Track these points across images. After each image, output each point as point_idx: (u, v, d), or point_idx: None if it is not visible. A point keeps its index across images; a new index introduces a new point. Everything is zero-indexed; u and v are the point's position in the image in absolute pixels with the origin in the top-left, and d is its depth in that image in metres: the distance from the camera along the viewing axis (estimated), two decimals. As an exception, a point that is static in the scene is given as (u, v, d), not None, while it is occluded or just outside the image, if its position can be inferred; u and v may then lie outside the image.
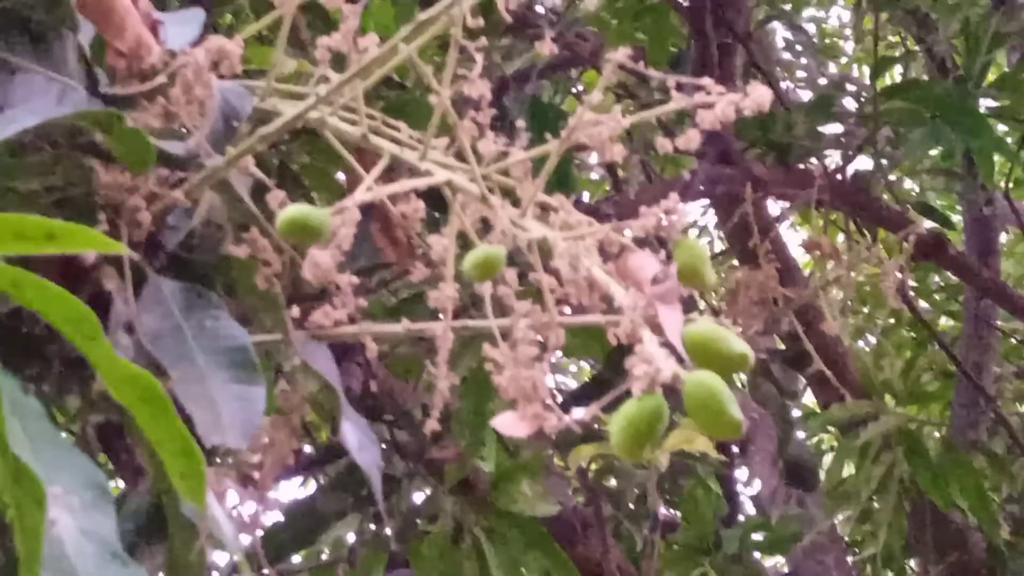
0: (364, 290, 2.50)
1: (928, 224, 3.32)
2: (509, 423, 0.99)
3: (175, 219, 1.15)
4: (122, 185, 1.11)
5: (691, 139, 1.00)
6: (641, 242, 1.05)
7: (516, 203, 1.09)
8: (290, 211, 1.00)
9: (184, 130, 1.16)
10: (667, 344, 0.90)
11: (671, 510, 4.06)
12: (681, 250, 0.99)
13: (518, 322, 1.01)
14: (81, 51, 1.19)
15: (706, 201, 4.66)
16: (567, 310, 1.08)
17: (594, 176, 5.20)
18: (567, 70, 3.78)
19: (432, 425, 1.08)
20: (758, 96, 0.98)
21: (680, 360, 0.89)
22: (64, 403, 1.35)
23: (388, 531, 2.75)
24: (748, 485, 4.49)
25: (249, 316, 1.18)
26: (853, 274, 2.50)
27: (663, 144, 1.02)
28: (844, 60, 6.52)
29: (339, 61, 1.17)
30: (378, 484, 1.11)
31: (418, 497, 2.85)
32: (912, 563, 4.21)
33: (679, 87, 1.02)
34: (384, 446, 2.68)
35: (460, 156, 1.13)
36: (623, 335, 0.90)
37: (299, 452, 3.18)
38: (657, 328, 0.91)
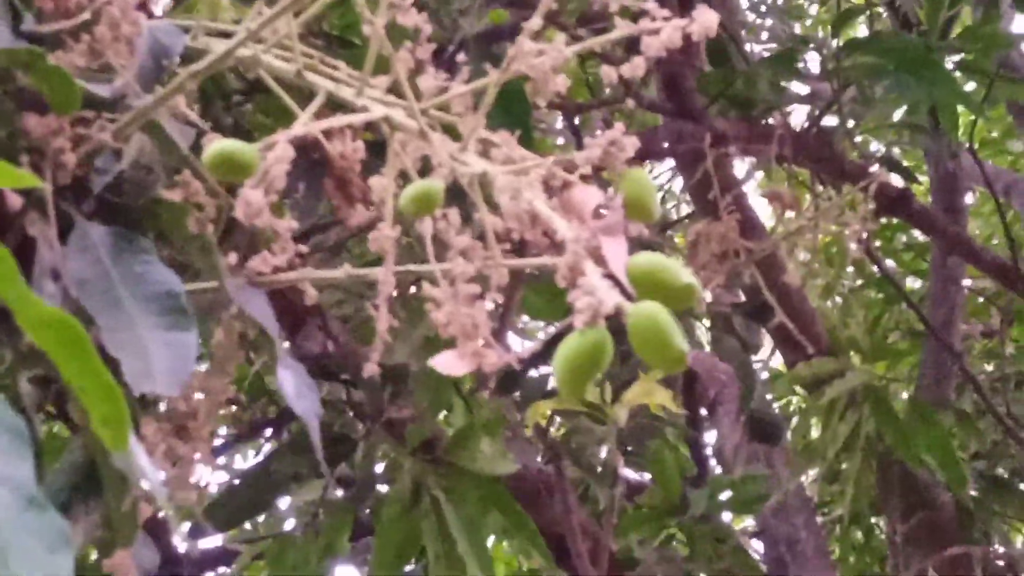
0: (321, 248, 2.46)
1: (893, 179, 3.29)
2: (447, 362, 0.95)
3: (103, 162, 1.10)
4: (47, 127, 1.06)
5: (636, 66, 0.96)
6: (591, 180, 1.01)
7: (459, 141, 1.05)
8: (218, 145, 0.96)
9: (112, 70, 1.12)
10: (611, 277, 0.86)
11: (640, 472, 4.03)
12: (627, 182, 0.95)
13: (456, 258, 0.97)
14: (3, -11, 1.14)
15: (672, 164, 4.63)
16: (522, 256, 1.05)
17: (560, 141, 5.16)
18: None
19: (371, 370, 1.05)
20: (705, 20, 0.94)
21: (626, 295, 0.86)
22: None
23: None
24: (717, 448, 4.47)
25: (184, 263, 1.14)
26: (817, 227, 2.47)
27: (608, 73, 0.98)
28: (809, 23, 6.50)
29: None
30: (316, 433, 1.07)
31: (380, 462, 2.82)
32: (880, 522, 4.21)
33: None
34: (349, 410, 2.64)
35: (399, 93, 1.09)
36: (566, 269, 0.87)
37: (260, 416, 3.13)
38: (601, 261, 0.88)
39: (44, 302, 0.85)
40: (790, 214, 2.61)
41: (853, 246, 2.42)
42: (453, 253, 0.98)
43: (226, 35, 1.18)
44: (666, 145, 2.93)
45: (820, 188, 3.27)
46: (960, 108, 3.59)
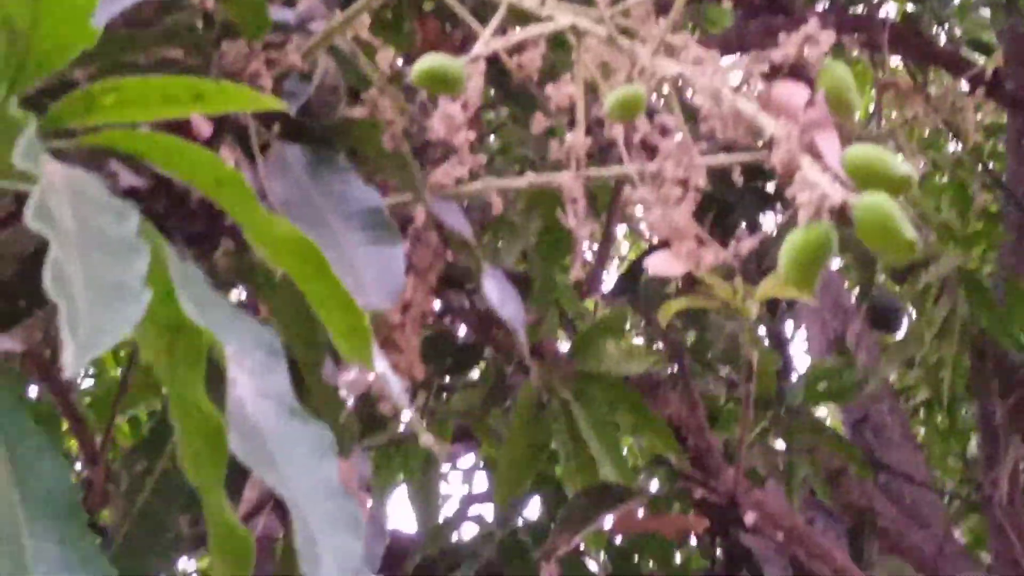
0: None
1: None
2: (663, 263, 0.97)
3: (292, 85, 1.13)
4: (239, 53, 1.09)
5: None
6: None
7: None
8: (426, 60, 0.98)
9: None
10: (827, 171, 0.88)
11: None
12: (826, 77, 0.97)
13: (664, 161, 0.99)
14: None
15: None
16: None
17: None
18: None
19: (576, 275, 1.07)
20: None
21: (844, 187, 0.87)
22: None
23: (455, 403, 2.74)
24: (792, 340, 4.50)
25: (371, 179, 1.17)
26: (929, 115, 2.46)
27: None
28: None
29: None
30: (522, 337, 1.09)
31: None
32: (966, 407, 4.20)
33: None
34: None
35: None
36: (779, 165, 0.89)
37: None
38: (815, 156, 0.90)
39: (280, 222, 0.88)
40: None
41: (970, 127, 2.42)
42: (661, 156, 1.00)
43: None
44: (758, 39, 2.92)
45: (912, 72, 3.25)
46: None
